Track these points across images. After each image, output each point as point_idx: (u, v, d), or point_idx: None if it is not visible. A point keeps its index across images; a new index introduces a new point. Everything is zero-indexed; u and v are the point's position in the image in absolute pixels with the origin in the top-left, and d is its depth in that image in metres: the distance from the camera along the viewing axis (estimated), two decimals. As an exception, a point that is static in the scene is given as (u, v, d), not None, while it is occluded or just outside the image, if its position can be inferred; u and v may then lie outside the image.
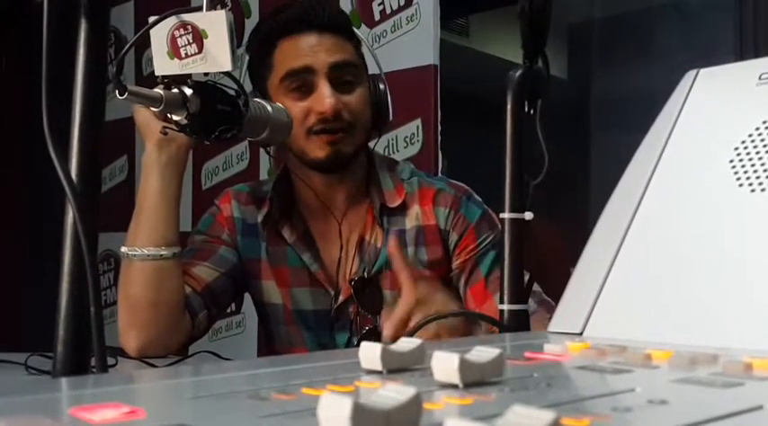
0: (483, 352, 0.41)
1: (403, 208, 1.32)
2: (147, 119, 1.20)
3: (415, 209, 1.32)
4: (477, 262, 1.28)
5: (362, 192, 1.35)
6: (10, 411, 0.34)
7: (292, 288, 1.35)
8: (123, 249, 1.22)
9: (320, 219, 1.35)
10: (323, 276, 1.33)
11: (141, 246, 1.21)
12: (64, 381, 0.48)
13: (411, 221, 1.32)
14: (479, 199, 1.35)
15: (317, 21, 1.27)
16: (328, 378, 0.42)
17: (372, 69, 1.35)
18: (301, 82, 1.25)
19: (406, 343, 0.45)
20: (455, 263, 1.31)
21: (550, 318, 0.67)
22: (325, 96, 1.23)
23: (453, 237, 1.31)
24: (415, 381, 0.42)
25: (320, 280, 1.33)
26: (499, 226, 1.32)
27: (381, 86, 1.32)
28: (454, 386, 0.39)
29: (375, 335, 1.28)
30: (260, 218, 1.35)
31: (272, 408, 0.35)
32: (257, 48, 1.32)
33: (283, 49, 1.27)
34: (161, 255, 1.21)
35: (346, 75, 1.27)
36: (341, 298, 1.32)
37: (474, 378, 0.39)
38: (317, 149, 1.26)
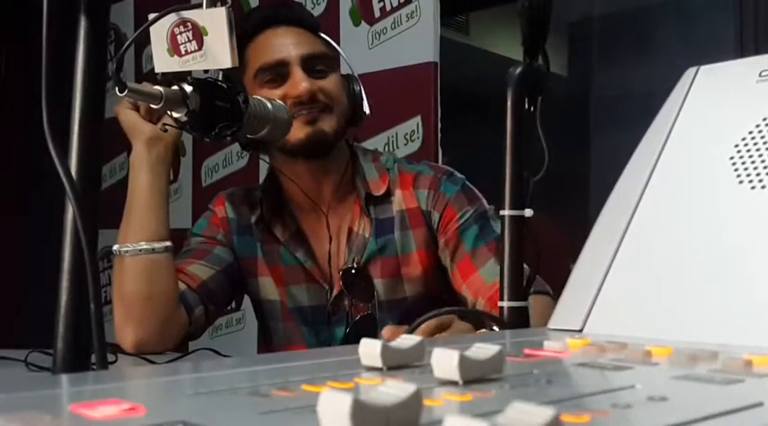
0: (483, 349, 0.41)
1: (388, 196, 1.34)
2: (132, 120, 1.23)
3: (397, 195, 1.34)
4: (460, 238, 1.29)
5: (348, 185, 1.36)
6: (10, 407, 0.34)
7: (289, 286, 1.36)
8: (115, 247, 1.24)
9: (310, 216, 1.36)
10: (317, 272, 1.35)
11: (133, 242, 1.22)
12: (64, 378, 0.48)
13: (395, 207, 1.33)
14: (461, 177, 1.36)
15: (285, 17, 1.32)
16: (328, 375, 0.42)
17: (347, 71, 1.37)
18: (275, 74, 1.29)
19: (406, 340, 0.45)
20: (440, 242, 1.32)
21: None
22: (299, 81, 1.26)
23: (435, 217, 1.32)
24: (415, 378, 0.42)
25: (315, 276, 1.35)
26: (482, 199, 1.35)
27: (356, 88, 1.34)
28: (454, 383, 0.39)
29: (369, 320, 1.29)
30: (253, 220, 1.37)
31: (273, 405, 0.35)
32: None
33: (254, 47, 1.30)
34: (153, 249, 1.23)
35: (318, 64, 1.30)
36: (335, 292, 1.34)
37: (474, 375, 0.40)
38: (297, 131, 1.24)
